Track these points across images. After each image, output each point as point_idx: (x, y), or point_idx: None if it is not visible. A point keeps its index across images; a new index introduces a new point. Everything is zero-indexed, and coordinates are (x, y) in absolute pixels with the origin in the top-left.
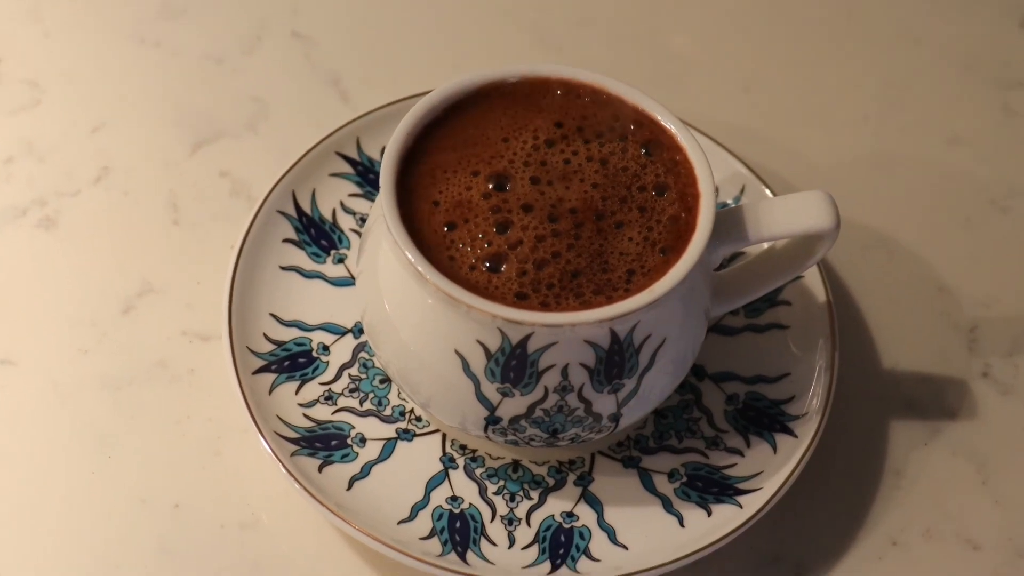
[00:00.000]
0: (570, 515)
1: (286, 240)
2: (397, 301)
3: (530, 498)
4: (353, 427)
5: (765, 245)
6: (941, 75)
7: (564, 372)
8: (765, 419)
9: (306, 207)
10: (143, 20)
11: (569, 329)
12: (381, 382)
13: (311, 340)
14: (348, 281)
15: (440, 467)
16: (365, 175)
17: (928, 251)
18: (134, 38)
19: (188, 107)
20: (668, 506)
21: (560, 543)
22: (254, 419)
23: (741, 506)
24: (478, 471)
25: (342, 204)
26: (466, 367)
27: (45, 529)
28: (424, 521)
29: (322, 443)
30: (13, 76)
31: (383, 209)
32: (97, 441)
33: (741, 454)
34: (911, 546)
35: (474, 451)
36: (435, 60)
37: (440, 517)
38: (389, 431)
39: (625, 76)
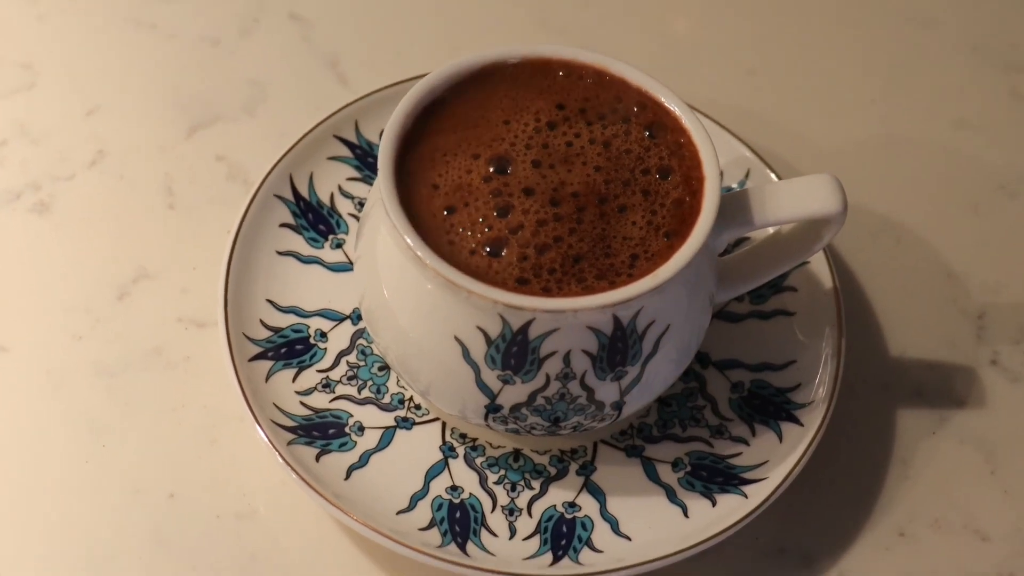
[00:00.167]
0: (572, 505)
1: (283, 225)
2: (396, 286)
3: (531, 488)
4: (351, 415)
5: (771, 230)
6: (948, 58)
7: (566, 359)
8: (771, 407)
9: (304, 191)
10: (138, 2)
11: (571, 315)
12: (380, 369)
13: (308, 326)
14: (346, 266)
15: (440, 456)
16: (364, 158)
17: (936, 237)
18: (129, 20)
19: (184, 90)
20: (672, 496)
21: (562, 534)
22: (250, 407)
23: (746, 496)
24: (478, 460)
25: (340, 188)
26: (466, 354)
27: (37, 519)
28: (423, 511)
29: (320, 432)
30: (7, 58)
31: (381, 193)
32: (91, 430)
33: (746, 443)
34: (919, 537)
35: (474, 440)
36: (435, 41)
37: (440, 507)
38: (388, 419)
39: (628, 58)
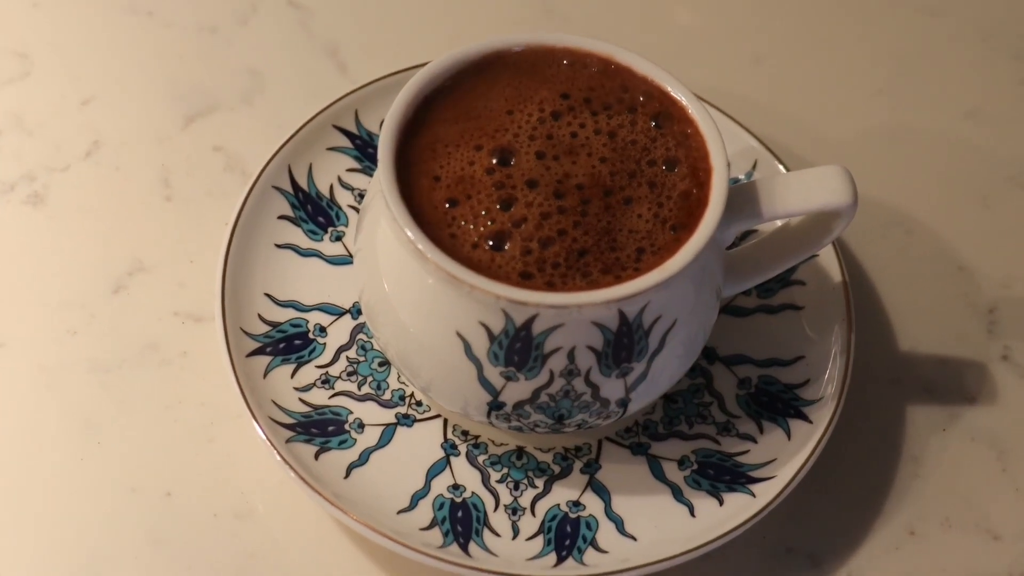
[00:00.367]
0: (576, 504)
1: (282, 217)
2: (396, 281)
3: (535, 486)
4: (351, 412)
5: (779, 222)
6: (958, 47)
7: (570, 355)
8: (779, 404)
9: (302, 182)
10: None
11: (576, 310)
12: (380, 365)
13: (307, 321)
14: (346, 259)
15: (441, 454)
16: (364, 149)
17: (945, 229)
18: (126, 8)
19: (181, 79)
20: (678, 495)
21: (566, 533)
22: (248, 404)
23: (754, 495)
24: (481, 458)
25: (340, 179)
26: (468, 350)
27: (31, 518)
28: (425, 511)
29: (319, 429)
30: (1, 47)
31: (381, 185)
32: (85, 427)
33: (754, 440)
34: (929, 536)
35: (476, 437)
36: (436, 29)
37: (441, 506)
38: (388, 416)
39: (632, 46)
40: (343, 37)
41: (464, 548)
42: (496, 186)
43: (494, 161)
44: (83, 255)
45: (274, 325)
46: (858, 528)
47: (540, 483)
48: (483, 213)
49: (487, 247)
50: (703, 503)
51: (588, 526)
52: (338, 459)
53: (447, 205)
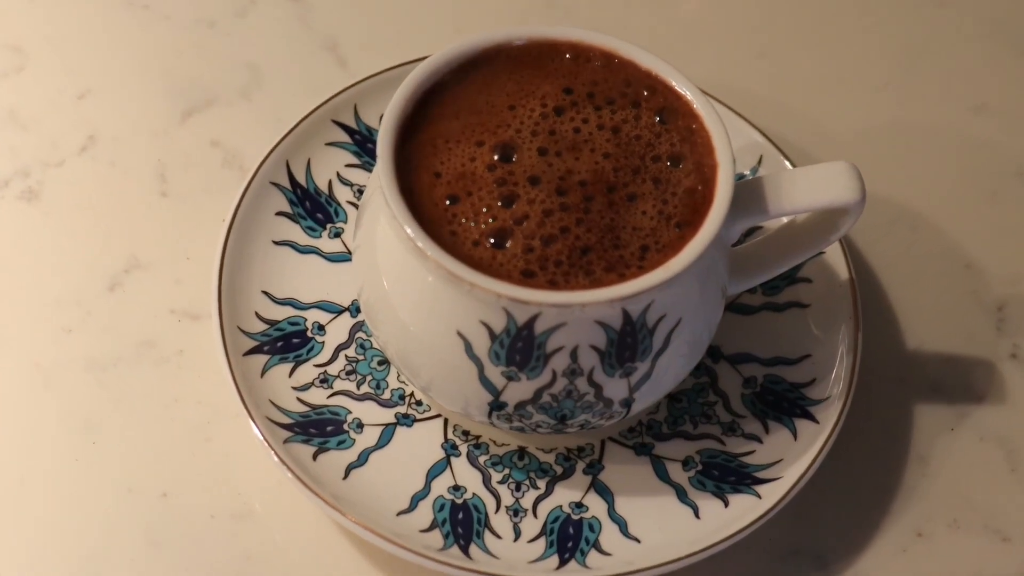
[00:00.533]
0: (579, 506)
1: (279, 213)
2: (396, 278)
3: (537, 487)
4: (350, 412)
5: (785, 219)
6: (965, 40)
7: (573, 355)
8: (784, 403)
9: (301, 178)
10: None
11: (579, 309)
12: (379, 364)
13: (306, 319)
14: (345, 256)
15: (442, 454)
16: (363, 144)
17: (953, 226)
18: (122, 1)
19: (178, 73)
20: (683, 496)
21: (568, 536)
22: (245, 404)
23: (760, 496)
24: (482, 458)
25: (339, 175)
26: (469, 349)
27: (25, 520)
28: (425, 512)
29: (317, 429)
30: None
31: (381, 181)
32: (81, 426)
33: (759, 440)
34: (937, 537)
35: (477, 437)
36: (437, 22)
37: (442, 508)
38: (388, 416)
39: (636, 39)
40: (342, 30)
41: (465, 550)
42: (497, 183)
43: (495, 157)
44: (78, 252)
45: (272, 323)
46: (865, 529)
47: (542, 484)
48: (484, 210)
49: (488, 245)
50: (708, 504)
51: (591, 528)
52: (337, 460)
53: (447, 202)
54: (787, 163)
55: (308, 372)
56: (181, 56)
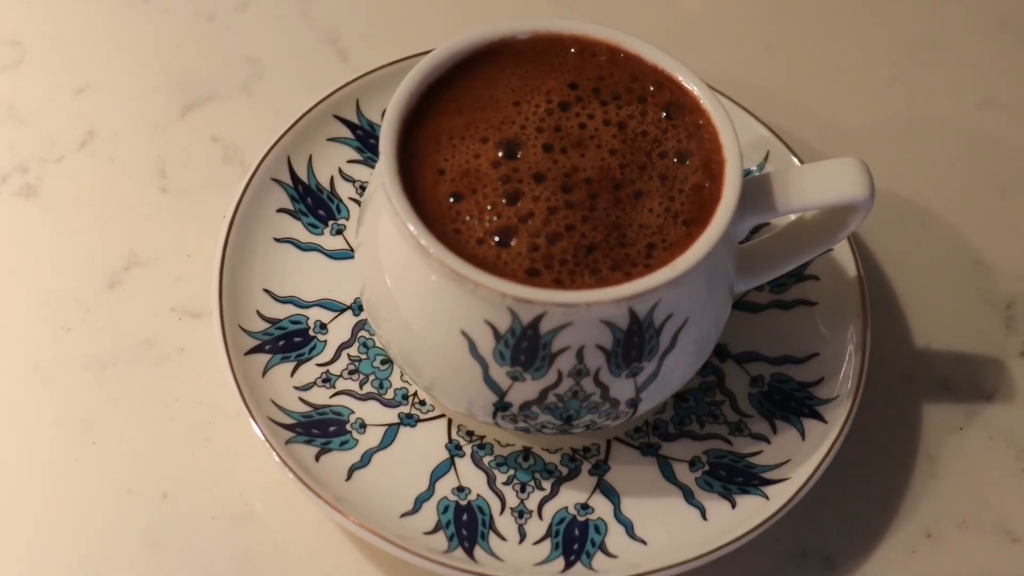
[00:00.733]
0: (585, 507)
1: (281, 210)
2: (398, 277)
3: (542, 488)
4: (352, 412)
5: (793, 216)
6: (974, 34)
7: (579, 355)
8: (792, 403)
9: (302, 174)
10: None
11: (584, 308)
12: (382, 363)
13: (307, 318)
14: (347, 254)
15: (446, 455)
16: (365, 140)
17: (962, 222)
18: None
19: (178, 68)
20: (690, 497)
21: (574, 537)
22: (246, 403)
23: (767, 497)
24: (486, 459)
25: (341, 171)
26: (473, 349)
27: (24, 520)
28: (429, 514)
29: (319, 429)
30: None
31: (383, 177)
32: (80, 426)
33: (767, 441)
34: (946, 538)
35: (482, 437)
36: (440, 16)
37: (446, 509)
38: (391, 416)
39: (641, 33)
40: (344, 24)
41: (469, 553)
42: (502, 180)
43: (500, 154)
44: (77, 249)
45: (273, 322)
46: (873, 530)
47: (547, 485)
48: (488, 208)
49: (493, 243)
50: (715, 506)
51: (597, 530)
52: (339, 460)
53: (451, 199)
54: (794, 159)
55: (310, 371)
56: (181, 50)
